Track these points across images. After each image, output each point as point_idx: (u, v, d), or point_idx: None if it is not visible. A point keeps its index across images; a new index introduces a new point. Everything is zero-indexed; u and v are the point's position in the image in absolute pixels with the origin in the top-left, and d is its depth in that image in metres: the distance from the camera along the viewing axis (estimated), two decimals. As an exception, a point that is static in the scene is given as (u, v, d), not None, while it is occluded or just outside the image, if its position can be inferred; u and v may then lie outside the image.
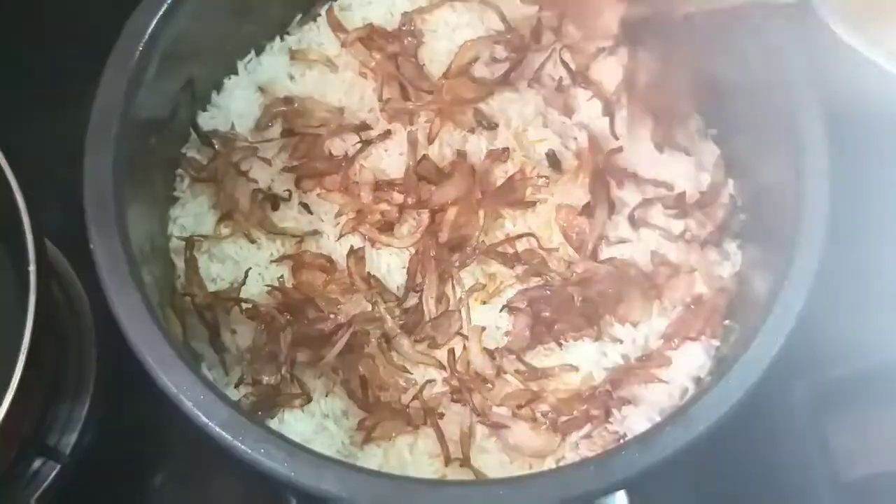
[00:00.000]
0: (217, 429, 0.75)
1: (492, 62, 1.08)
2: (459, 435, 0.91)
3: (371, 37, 1.09)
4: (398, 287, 0.98)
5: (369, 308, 0.96)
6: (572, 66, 1.08)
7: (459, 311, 0.96)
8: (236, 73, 1.10)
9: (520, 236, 1.00)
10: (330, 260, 0.99)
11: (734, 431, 1.07)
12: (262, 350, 0.93)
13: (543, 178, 1.02)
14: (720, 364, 0.89)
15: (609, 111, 1.07)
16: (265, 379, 0.92)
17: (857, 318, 1.13)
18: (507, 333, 0.97)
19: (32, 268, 0.81)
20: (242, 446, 0.75)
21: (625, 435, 0.91)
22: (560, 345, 0.96)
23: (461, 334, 0.96)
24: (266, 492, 1.03)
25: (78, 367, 1.03)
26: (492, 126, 1.05)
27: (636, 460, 0.76)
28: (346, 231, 1.00)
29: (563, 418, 0.91)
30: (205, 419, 0.76)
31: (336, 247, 1.00)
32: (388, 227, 1.01)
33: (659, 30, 1.06)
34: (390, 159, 1.04)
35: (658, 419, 0.90)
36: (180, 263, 0.99)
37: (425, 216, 1.00)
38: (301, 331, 0.93)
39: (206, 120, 1.07)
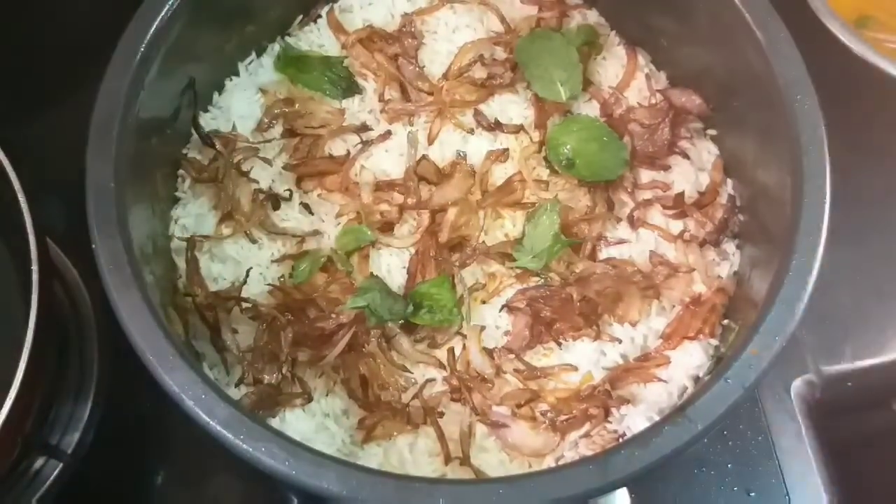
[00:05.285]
0: (218, 428, 0.76)
1: (492, 63, 1.08)
2: (459, 434, 0.91)
3: (371, 38, 1.09)
4: (398, 287, 0.99)
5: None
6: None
7: (459, 311, 0.96)
8: (237, 74, 1.11)
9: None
10: (331, 260, 0.99)
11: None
12: (263, 349, 0.93)
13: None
14: (719, 363, 0.89)
15: (607, 112, 1.07)
16: (266, 378, 0.92)
17: (857, 318, 1.14)
18: (506, 333, 0.97)
19: (35, 267, 0.82)
20: (243, 445, 0.75)
21: (624, 434, 0.91)
22: (559, 344, 0.96)
23: (461, 334, 0.96)
24: (267, 491, 1.04)
25: (80, 367, 1.03)
26: (491, 127, 1.05)
27: (635, 459, 0.76)
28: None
29: (563, 417, 0.92)
30: (206, 418, 0.76)
31: (337, 247, 1.01)
32: (388, 227, 1.01)
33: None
34: (391, 160, 1.05)
35: (657, 418, 0.90)
36: (182, 263, 0.99)
37: (425, 216, 1.00)
38: (302, 330, 0.94)
39: (207, 120, 1.07)
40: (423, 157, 1.03)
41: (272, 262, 1.00)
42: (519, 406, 0.92)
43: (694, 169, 1.06)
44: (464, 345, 0.95)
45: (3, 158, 0.85)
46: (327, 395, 0.94)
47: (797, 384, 1.10)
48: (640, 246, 1.01)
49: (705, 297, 0.98)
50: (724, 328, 0.97)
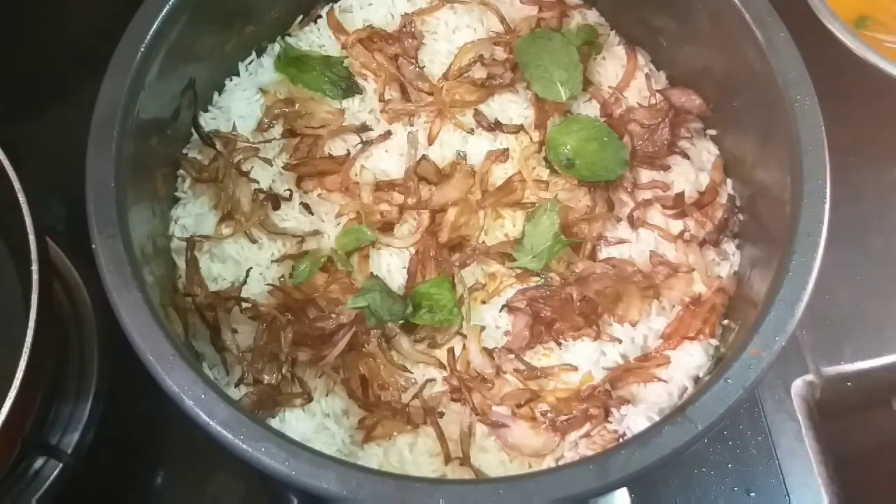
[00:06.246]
0: (218, 428, 0.76)
1: (492, 63, 1.08)
2: (459, 434, 0.91)
3: (371, 38, 1.09)
4: (398, 287, 0.99)
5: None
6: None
7: (459, 311, 0.96)
8: (237, 74, 1.11)
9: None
10: (331, 260, 0.99)
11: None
12: (263, 349, 0.93)
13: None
14: (719, 363, 0.89)
15: (607, 112, 1.08)
16: (266, 378, 0.92)
17: (857, 318, 1.14)
18: (506, 333, 0.97)
19: (35, 267, 0.82)
20: (243, 445, 0.75)
21: (624, 434, 0.91)
22: (559, 344, 0.96)
23: (461, 334, 0.96)
24: (267, 491, 1.04)
25: (80, 367, 1.03)
26: (491, 127, 1.05)
27: (635, 459, 0.76)
28: (346, 231, 1.01)
29: (563, 417, 0.92)
30: (206, 418, 0.76)
31: (336, 247, 1.01)
32: (388, 227, 1.01)
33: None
34: (391, 160, 1.05)
35: (657, 418, 0.90)
36: (182, 263, 0.99)
37: (425, 216, 1.00)
38: (302, 330, 0.94)
39: (207, 120, 1.07)
40: (423, 157, 1.03)
41: (272, 262, 1.00)
42: (519, 406, 0.92)
43: (694, 169, 1.06)
44: (464, 345, 0.95)
45: (3, 158, 0.85)
46: (327, 395, 0.94)
47: (797, 384, 1.10)
48: (640, 246, 1.01)
49: (705, 297, 0.98)
50: (724, 328, 0.97)
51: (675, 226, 1.02)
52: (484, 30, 1.11)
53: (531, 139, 1.06)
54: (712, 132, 1.07)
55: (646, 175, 1.05)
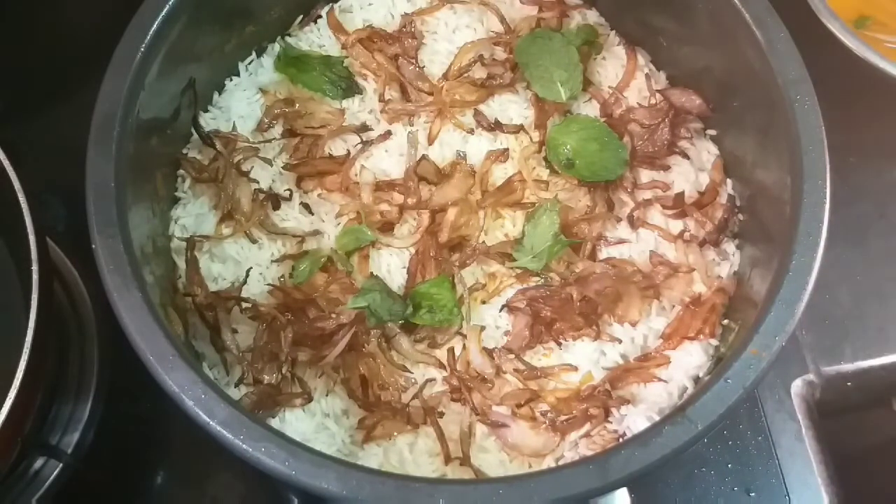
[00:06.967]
0: (218, 428, 0.76)
1: (492, 63, 1.08)
2: (459, 434, 0.91)
3: (371, 38, 1.09)
4: (398, 287, 0.99)
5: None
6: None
7: (459, 311, 0.96)
8: (237, 74, 1.11)
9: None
10: (331, 260, 0.99)
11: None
12: (263, 349, 0.93)
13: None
14: (719, 363, 0.89)
15: (607, 112, 1.08)
16: (266, 378, 0.92)
17: (857, 318, 1.14)
18: (506, 333, 0.97)
19: (35, 267, 0.82)
20: (243, 445, 0.75)
21: (624, 434, 0.91)
22: (559, 344, 0.96)
23: (461, 334, 0.96)
24: (267, 491, 1.04)
25: (80, 367, 1.04)
26: (491, 127, 1.05)
27: (635, 459, 0.76)
28: (346, 231, 1.01)
29: (563, 417, 0.92)
30: (206, 418, 0.76)
31: (336, 247, 1.01)
32: (388, 227, 1.01)
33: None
34: (391, 160, 1.05)
35: (657, 418, 0.90)
36: (182, 263, 0.99)
37: (425, 216, 1.00)
38: (302, 330, 0.94)
39: (207, 120, 1.07)
40: (423, 157, 1.03)
41: (272, 262, 1.00)
42: (519, 406, 0.92)
43: (694, 169, 1.06)
44: (464, 345, 0.95)
45: (3, 158, 0.85)
46: (327, 395, 0.94)
47: (797, 384, 1.10)
48: (640, 246, 1.01)
49: (705, 297, 0.98)
50: (724, 328, 0.97)
51: (675, 226, 1.02)
52: (484, 30, 1.12)
53: (531, 139, 1.06)
54: (712, 132, 1.07)
55: (646, 175, 1.05)
